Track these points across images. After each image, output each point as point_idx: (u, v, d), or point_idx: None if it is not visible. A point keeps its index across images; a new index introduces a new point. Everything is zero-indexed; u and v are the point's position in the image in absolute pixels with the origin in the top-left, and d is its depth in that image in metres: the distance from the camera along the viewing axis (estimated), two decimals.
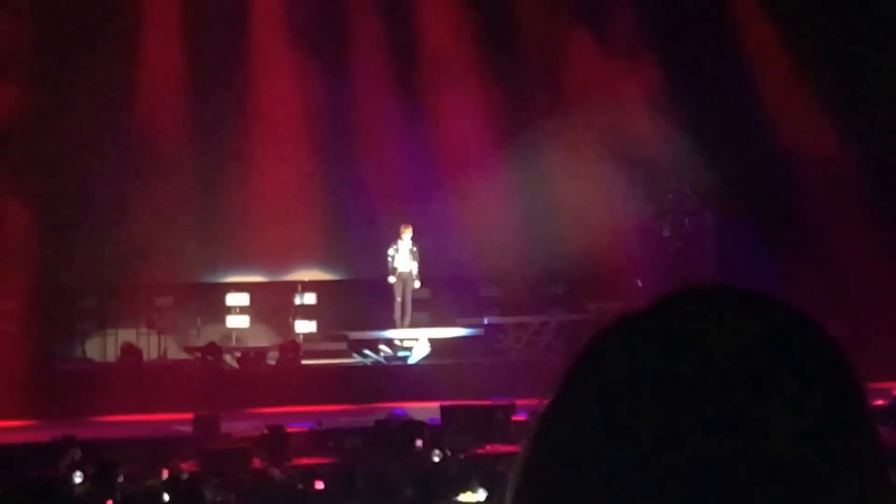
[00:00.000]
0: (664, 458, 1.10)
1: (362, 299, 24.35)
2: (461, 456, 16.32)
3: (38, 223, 23.41)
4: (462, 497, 13.71)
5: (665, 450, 1.10)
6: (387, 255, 23.80)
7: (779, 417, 1.11)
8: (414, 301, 24.12)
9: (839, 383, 1.15)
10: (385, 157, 24.84)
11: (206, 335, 23.79)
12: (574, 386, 1.19)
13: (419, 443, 16.52)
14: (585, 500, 1.13)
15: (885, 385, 18.55)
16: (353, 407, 20.47)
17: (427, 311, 24.51)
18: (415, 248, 23.79)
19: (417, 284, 23.90)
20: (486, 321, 23.90)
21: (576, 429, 1.16)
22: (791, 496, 1.10)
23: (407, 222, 23.84)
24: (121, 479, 14.47)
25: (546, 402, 1.21)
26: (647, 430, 1.12)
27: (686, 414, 1.11)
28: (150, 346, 23.89)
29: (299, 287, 24.52)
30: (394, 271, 23.78)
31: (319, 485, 14.74)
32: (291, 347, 22.94)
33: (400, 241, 23.82)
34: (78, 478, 14.62)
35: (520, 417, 18.50)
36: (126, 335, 23.81)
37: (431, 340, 23.36)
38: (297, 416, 19.35)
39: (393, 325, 23.84)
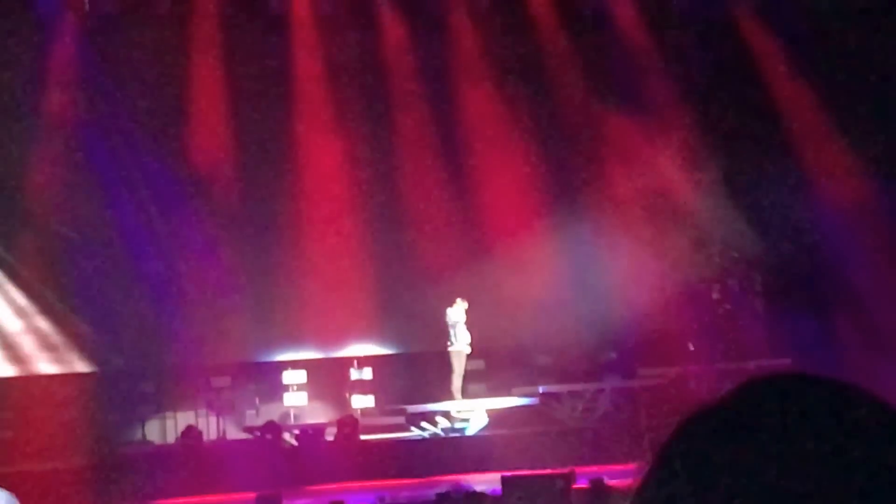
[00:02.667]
0: None
1: (418, 372, 24.44)
2: None
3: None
4: None
5: None
6: (446, 324, 23.87)
7: None
8: (469, 372, 24.17)
9: None
10: (434, 228, 24.91)
11: (264, 414, 23.90)
12: (654, 486, 1.19)
13: None
14: None
15: None
16: (414, 481, 20.49)
17: (482, 381, 24.54)
18: (467, 321, 23.83)
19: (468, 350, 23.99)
20: (541, 390, 23.90)
21: None
22: None
23: (460, 294, 23.91)
24: None
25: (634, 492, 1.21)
26: None
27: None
28: (210, 427, 23.99)
29: (355, 362, 24.62)
30: (454, 339, 23.85)
31: None
32: (350, 423, 22.97)
33: (453, 312, 23.88)
34: None
35: (579, 486, 18.50)
36: (185, 417, 23.93)
37: (488, 411, 23.39)
38: (359, 492, 19.39)
39: (450, 397, 23.87)
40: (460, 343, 23.92)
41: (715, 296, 25.59)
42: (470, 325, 23.83)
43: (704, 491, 1.15)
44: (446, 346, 23.92)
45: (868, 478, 1.12)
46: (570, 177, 25.19)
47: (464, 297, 23.88)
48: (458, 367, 24.01)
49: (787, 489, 1.12)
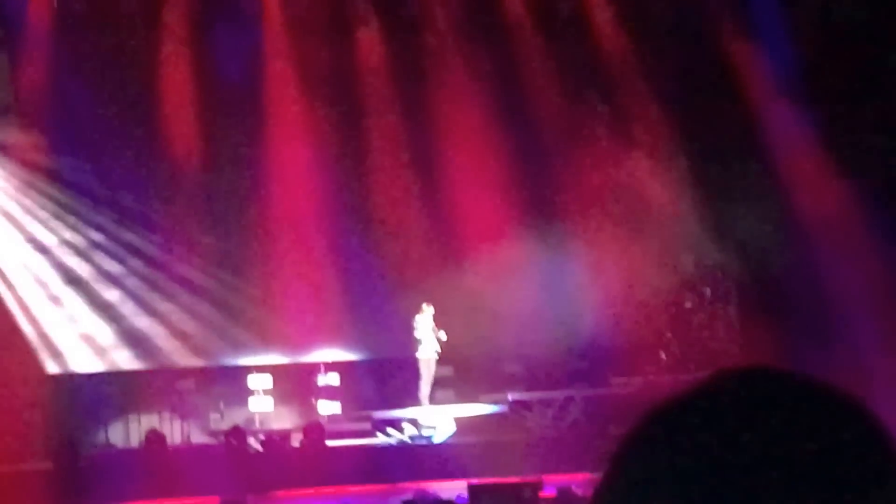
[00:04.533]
0: None
1: (385, 378, 24.33)
2: None
3: None
4: None
5: None
6: (413, 331, 23.74)
7: None
8: (437, 379, 24.08)
9: (889, 475, 1.14)
10: (404, 235, 24.86)
11: (228, 418, 23.74)
12: (620, 475, 1.18)
13: None
14: None
15: None
16: (380, 487, 20.39)
17: (451, 388, 24.44)
18: (435, 327, 23.71)
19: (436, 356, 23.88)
20: (510, 397, 23.81)
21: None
22: None
23: (428, 300, 23.79)
24: None
25: (594, 490, 1.19)
26: None
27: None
28: (174, 430, 23.81)
29: (322, 368, 24.47)
30: (422, 346, 23.73)
31: None
32: (316, 429, 22.84)
33: (421, 318, 23.77)
34: None
35: (547, 494, 18.41)
36: (149, 420, 23.77)
37: (456, 418, 23.28)
38: (324, 498, 19.30)
39: (417, 403, 23.75)
40: (427, 350, 23.77)
41: (688, 305, 25.59)
42: (438, 331, 23.67)
43: (666, 478, 1.13)
44: (414, 353, 23.79)
45: (832, 471, 1.12)
46: (542, 184, 25.15)
47: (432, 303, 23.74)
48: (426, 373, 23.91)
49: (751, 481, 1.11)
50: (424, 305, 23.81)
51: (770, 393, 1.16)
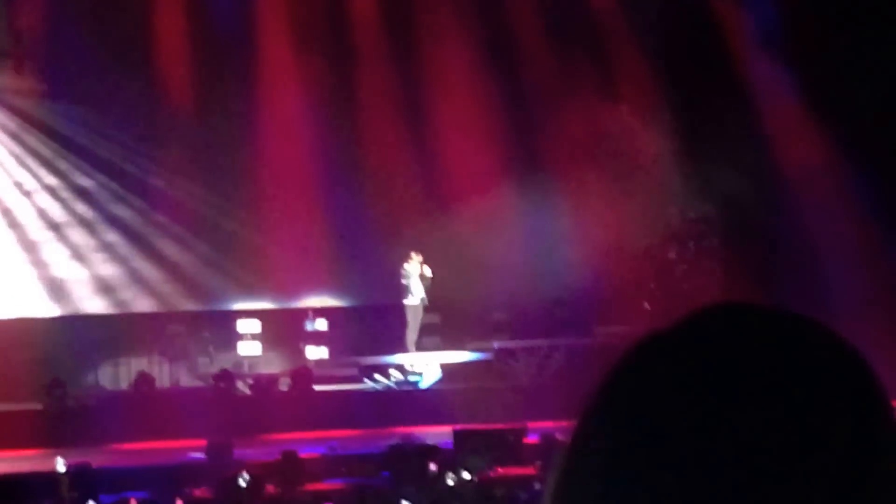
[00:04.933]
0: (701, 481, 1.09)
1: (372, 325, 24.45)
2: (474, 479, 16.41)
3: None
4: None
5: (701, 472, 1.09)
6: (402, 277, 23.86)
7: (815, 440, 1.11)
8: (424, 326, 24.20)
9: (871, 403, 1.15)
10: (393, 183, 24.91)
11: (218, 362, 23.87)
12: (606, 405, 1.18)
13: (433, 467, 16.63)
14: None
15: None
16: (365, 432, 20.54)
17: (437, 335, 24.58)
18: (425, 273, 23.81)
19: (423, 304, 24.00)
20: (496, 345, 23.97)
21: (609, 449, 1.15)
22: None
23: (416, 248, 23.90)
24: None
25: (579, 419, 1.18)
26: (683, 452, 1.11)
27: (723, 436, 1.11)
28: (163, 374, 23.97)
29: (310, 314, 24.62)
30: (409, 293, 23.86)
31: None
32: (303, 373, 22.99)
33: (409, 266, 23.86)
34: None
35: (531, 440, 18.59)
36: (138, 363, 23.90)
37: (442, 365, 23.44)
38: (310, 442, 19.44)
39: (404, 350, 23.91)
40: (415, 297, 23.92)
41: (671, 255, 25.69)
42: (425, 275, 23.76)
43: (651, 413, 1.14)
44: (401, 300, 23.92)
45: (816, 411, 1.13)
46: (530, 135, 25.18)
47: (420, 251, 23.84)
48: (413, 320, 24.04)
49: (738, 417, 1.11)
50: (413, 253, 23.92)
51: (755, 326, 1.16)
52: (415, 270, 23.88)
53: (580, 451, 1.16)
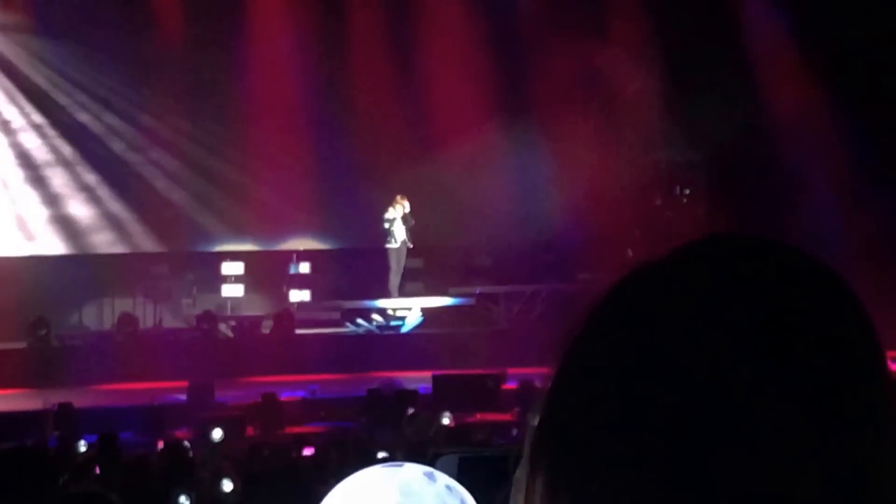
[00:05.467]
0: (683, 423, 1.06)
1: (356, 269, 24.49)
2: (452, 424, 16.51)
3: None
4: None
5: (683, 416, 1.06)
6: (384, 223, 23.87)
7: (801, 378, 1.08)
8: (407, 270, 24.25)
9: (863, 340, 1.12)
10: (378, 125, 24.90)
11: (201, 304, 23.94)
12: (592, 337, 1.13)
13: (411, 411, 16.72)
14: (605, 459, 1.08)
15: None
16: (346, 376, 20.63)
17: (420, 280, 24.65)
18: (409, 217, 23.80)
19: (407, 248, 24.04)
20: (477, 290, 24.04)
21: (595, 384, 1.10)
22: (809, 453, 1.06)
23: (400, 191, 23.89)
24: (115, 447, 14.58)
25: (560, 359, 1.14)
26: (668, 396, 1.07)
27: (707, 375, 1.07)
28: (146, 314, 24.04)
29: (294, 256, 24.67)
30: (391, 238, 23.88)
31: (308, 451, 14.88)
32: (286, 316, 23.07)
33: (393, 210, 23.85)
34: (83, 447, 14.79)
35: (510, 386, 18.68)
36: (122, 304, 23.96)
37: (424, 310, 23.52)
38: (291, 385, 19.53)
39: (387, 295, 23.98)
40: (398, 241, 23.93)
41: (657, 202, 25.69)
42: (408, 220, 23.79)
43: (631, 354, 1.09)
44: (384, 244, 23.96)
45: (810, 349, 1.09)
46: (516, 80, 25.14)
47: (405, 194, 23.86)
48: (395, 265, 24.08)
49: (725, 348, 1.07)
50: (398, 197, 23.92)
51: (743, 257, 1.12)
52: (398, 214, 23.87)
53: (561, 393, 1.13)
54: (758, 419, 1.06)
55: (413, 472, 2.41)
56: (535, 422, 1.12)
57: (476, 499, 2.41)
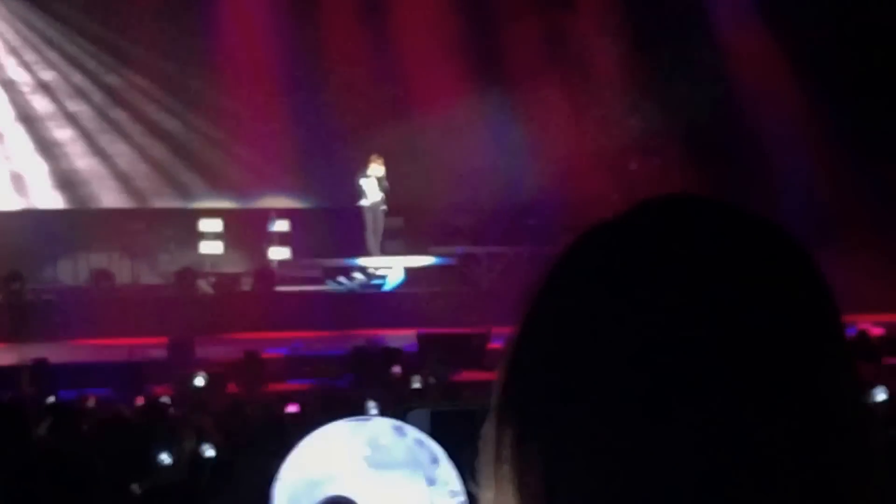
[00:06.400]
0: (637, 376, 1.07)
1: (336, 227, 24.33)
2: (438, 382, 16.34)
3: None
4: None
5: (639, 360, 1.07)
6: (358, 182, 23.60)
7: (755, 335, 1.08)
8: (388, 230, 24.08)
9: (817, 300, 1.12)
10: (357, 83, 24.83)
11: (179, 260, 23.73)
12: (553, 291, 1.15)
13: (397, 369, 16.53)
14: (569, 407, 1.09)
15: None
16: (328, 333, 20.45)
17: (401, 239, 24.53)
18: (384, 179, 23.55)
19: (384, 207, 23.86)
20: (458, 251, 23.93)
21: (554, 337, 1.12)
22: (765, 413, 1.07)
23: (378, 151, 23.65)
24: (92, 403, 14.31)
25: (522, 314, 1.15)
26: (622, 346, 1.08)
27: (662, 331, 1.08)
28: (123, 270, 23.79)
29: (273, 214, 24.47)
30: (364, 195, 23.60)
31: (292, 408, 14.68)
32: (266, 274, 22.90)
33: (369, 170, 23.58)
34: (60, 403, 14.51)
35: (494, 346, 18.56)
36: (98, 259, 23.75)
37: (406, 269, 23.38)
38: (273, 342, 19.35)
39: (367, 253, 23.81)
40: (376, 201, 23.63)
41: (632, 167, 25.79)
42: (390, 181, 23.61)
43: (591, 305, 1.11)
44: (363, 203, 23.71)
45: (763, 299, 1.09)
46: (494, 40, 25.11)
47: (385, 153, 23.62)
48: (377, 224, 23.84)
49: (678, 307, 1.08)
50: (373, 156, 23.62)
51: (695, 218, 1.13)
52: (373, 173, 23.57)
53: (523, 347, 1.14)
54: (705, 362, 1.07)
55: (382, 425, 2.48)
56: (500, 376, 1.14)
57: (448, 452, 2.47)
